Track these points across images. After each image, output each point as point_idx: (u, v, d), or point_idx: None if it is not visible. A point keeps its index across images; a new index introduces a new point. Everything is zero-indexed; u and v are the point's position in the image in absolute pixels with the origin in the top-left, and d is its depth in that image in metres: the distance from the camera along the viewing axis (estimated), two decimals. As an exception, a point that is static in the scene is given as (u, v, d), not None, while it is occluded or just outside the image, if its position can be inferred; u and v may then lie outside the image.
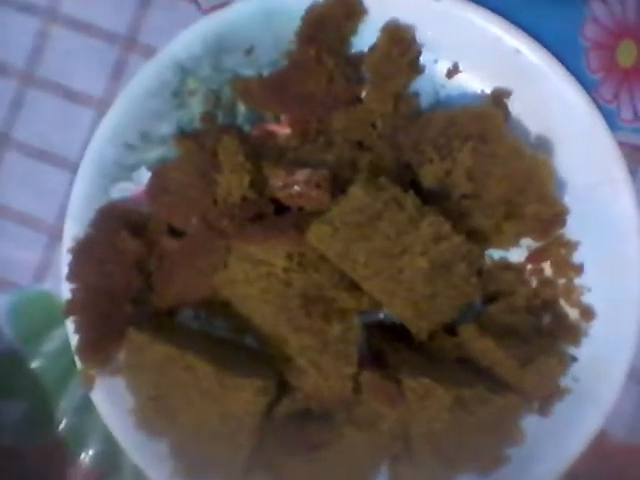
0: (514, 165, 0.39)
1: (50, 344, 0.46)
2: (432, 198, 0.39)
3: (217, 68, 0.43)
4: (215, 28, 0.42)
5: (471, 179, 0.39)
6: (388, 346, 0.41)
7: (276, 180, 0.40)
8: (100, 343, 0.40)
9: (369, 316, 0.42)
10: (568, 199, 0.41)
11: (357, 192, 0.36)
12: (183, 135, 0.43)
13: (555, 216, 0.39)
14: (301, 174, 0.39)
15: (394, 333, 0.41)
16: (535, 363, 0.37)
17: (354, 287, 0.38)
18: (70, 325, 0.41)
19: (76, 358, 0.41)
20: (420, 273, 0.36)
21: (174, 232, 0.42)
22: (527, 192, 0.39)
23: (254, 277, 0.39)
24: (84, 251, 0.41)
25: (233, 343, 0.42)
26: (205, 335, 0.43)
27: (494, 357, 0.38)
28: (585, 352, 0.41)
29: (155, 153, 0.44)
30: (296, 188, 0.39)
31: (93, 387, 0.41)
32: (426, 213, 0.37)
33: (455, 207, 0.39)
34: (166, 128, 0.43)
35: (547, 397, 0.39)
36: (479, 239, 0.40)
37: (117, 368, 0.41)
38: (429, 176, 0.39)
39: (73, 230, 0.42)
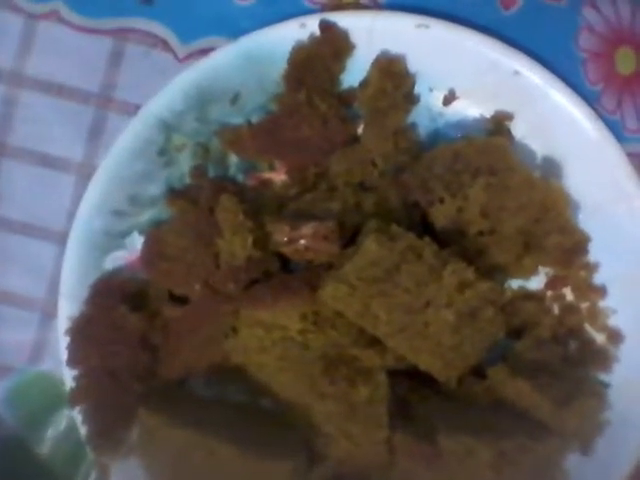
0: (527, 195, 0.37)
1: (55, 427, 0.43)
2: (447, 237, 0.37)
3: (203, 120, 0.41)
4: (196, 80, 0.40)
5: (485, 215, 0.37)
6: (414, 394, 0.39)
7: (280, 235, 0.38)
8: (111, 430, 0.38)
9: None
10: (582, 219, 0.40)
11: (370, 245, 0.34)
12: (174, 194, 0.41)
13: (576, 245, 0.37)
14: (306, 228, 0.37)
15: (418, 378, 0.39)
16: (573, 405, 0.36)
17: (376, 341, 0.36)
18: (77, 415, 0.38)
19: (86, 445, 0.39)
20: (446, 326, 0.34)
21: (176, 298, 0.40)
22: (544, 221, 0.37)
23: (268, 344, 0.36)
24: (82, 332, 0.39)
25: (250, 408, 0.40)
26: (219, 403, 0.40)
27: (528, 399, 0.36)
28: (617, 376, 0.40)
29: (146, 216, 0.41)
30: (302, 242, 0.37)
31: (109, 477, 0.39)
32: (446, 260, 0.34)
33: (472, 245, 0.37)
34: (155, 189, 0.41)
35: (588, 436, 0.37)
36: (499, 272, 0.38)
37: (131, 449, 0.39)
38: (441, 216, 0.37)
39: (68, 309, 0.39)
